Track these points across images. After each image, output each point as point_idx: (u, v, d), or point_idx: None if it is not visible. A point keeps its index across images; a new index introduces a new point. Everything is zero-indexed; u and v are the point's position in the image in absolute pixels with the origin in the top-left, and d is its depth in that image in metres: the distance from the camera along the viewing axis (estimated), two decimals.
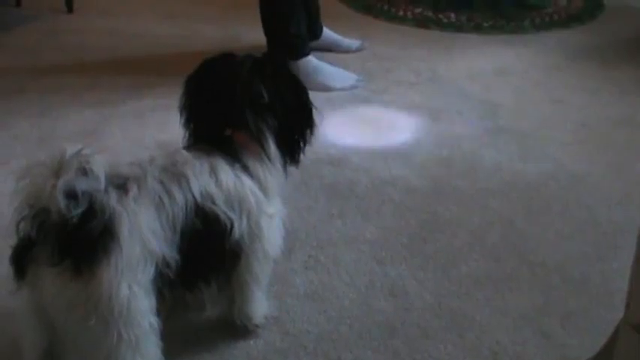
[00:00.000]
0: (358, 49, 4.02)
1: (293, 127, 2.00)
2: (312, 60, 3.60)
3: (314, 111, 2.03)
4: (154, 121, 3.30)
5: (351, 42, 4.04)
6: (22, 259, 1.66)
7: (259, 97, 1.93)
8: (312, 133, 2.03)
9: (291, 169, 2.07)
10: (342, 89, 3.58)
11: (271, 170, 1.96)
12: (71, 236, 1.60)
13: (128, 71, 3.82)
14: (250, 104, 1.92)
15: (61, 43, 4.21)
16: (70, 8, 4.67)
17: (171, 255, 1.74)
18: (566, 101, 3.60)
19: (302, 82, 2.04)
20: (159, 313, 1.76)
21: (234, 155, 1.91)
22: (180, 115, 2.02)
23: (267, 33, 3.63)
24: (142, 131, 3.23)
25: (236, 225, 1.86)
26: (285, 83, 1.99)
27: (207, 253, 1.86)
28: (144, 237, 1.69)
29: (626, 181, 2.93)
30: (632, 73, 3.88)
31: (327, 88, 3.52)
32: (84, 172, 1.62)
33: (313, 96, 2.06)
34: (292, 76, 2.03)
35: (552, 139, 3.25)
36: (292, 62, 3.42)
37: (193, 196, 1.78)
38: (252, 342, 2.11)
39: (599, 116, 3.47)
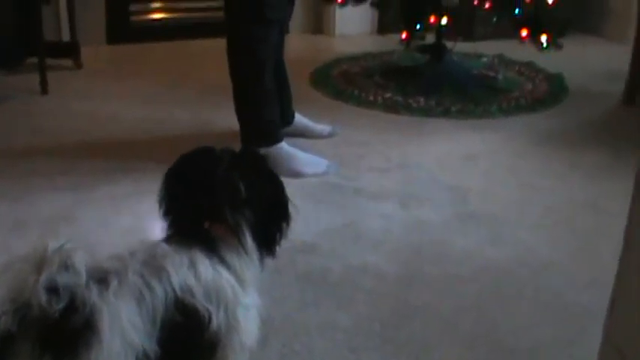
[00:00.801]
0: (330, 135, 4.09)
1: (270, 220, 2.05)
2: (284, 146, 3.65)
3: (290, 205, 2.08)
4: (129, 206, 3.32)
5: (323, 128, 4.10)
6: (2, 353, 1.68)
7: (237, 191, 1.98)
8: (287, 226, 2.08)
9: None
10: (315, 175, 3.63)
11: (248, 262, 2.00)
12: (52, 331, 1.62)
13: (103, 155, 3.85)
14: (228, 199, 1.97)
15: (36, 125, 4.25)
16: (44, 89, 4.72)
17: (151, 347, 1.76)
18: (533, 185, 3.67)
19: (278, 176, 2.09)
20: None
21: (212, 248, 1.94)
22: (160, 207, 2.05)
23: (240, 119, 3.68)
24: (117, 217, 3.25)
25: (214, 317, 1.89)
26: (262, 178, 2.05)
27: (187, 345, 1.88)
28: (124, 331, 1.71)
29: (593, 265, 2.98)
30: (596, 157, 3.96)
31: (299, 175, 3.57)
32: (65, 267, 1.64)
33: (286, 182, 2.11)
34: (269, 171, 2.08)
35: (521, 223, 3.31)
36: (265, 149, 3.47)
37: (173, 290, 1.82)
38: None
39: (565, 200, 3.54)
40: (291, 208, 2.09)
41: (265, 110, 3.61)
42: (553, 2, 4.57)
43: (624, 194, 1.80)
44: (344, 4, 4.84)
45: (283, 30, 3.83)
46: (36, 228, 3.14)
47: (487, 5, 4.54)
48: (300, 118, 4.04)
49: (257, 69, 3.57)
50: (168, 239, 1.99)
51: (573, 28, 6.06)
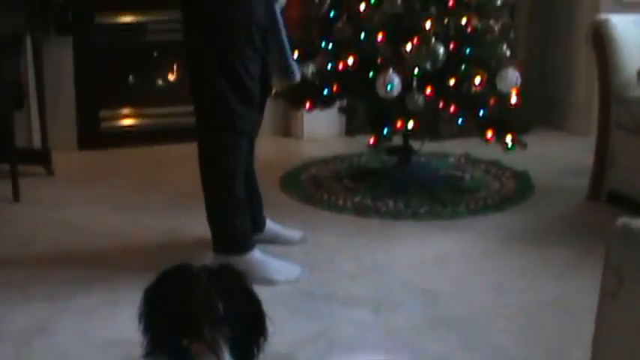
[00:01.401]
0: (301, 241, 4.13)
1: (247, 336, 2.10)
2: (256, 254, 3.69)
3: (267, 319, 2.13)
4: (103, 317, 3.34)
5: (294, 233, 4.14)
6: None
7: (215, 309, 2.02)
8: (265, 340, 2.13)
9: None
10: (287, 282, 3.66)
11: None
12: None
13: (76, 265, 3.88)
14: (206, 317, 2.02)
15: (8, 233, 4.28)
16: (16, 197, 4.74)
17: None
18: (503, 286, 3.71)
19: (255, 293, 2.14)
20: None
21: None
22: (139, 323, 2.10)
23: (212, 227, 3.72)
24: (92, 328, 3.26)
25: None
26: (240, 295, 2.10)
27: None
28: None
29: None
30: (564, 255, 4.02)
31: (272, 282, 3.58)
32: None
33: (258, 290, 2.16)
34: (246, 288, 2.13)
35: (492, 325, 3.35)
36: (237, 257, 3.50)
37: None
38: None
39: (535, 300, 3.59)
40: (267, 323, 2.14)
41: (237, 219, 3.65)
42: (516, 102, 4.67)
43: (593, 292, 1.86)
44: (311, 109, 4.93)
45: (253, 138, 3.89)
46: (10, 340, 3.15)
47: (452, 109, 4.64)
48: (271, 225, 4.08)
49: (228, 178, 3.62)
50: (147, 355, 2.02)
51: (536, 123, 6.19)
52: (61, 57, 5.67)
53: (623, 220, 2.03)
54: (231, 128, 3.56)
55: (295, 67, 3.30)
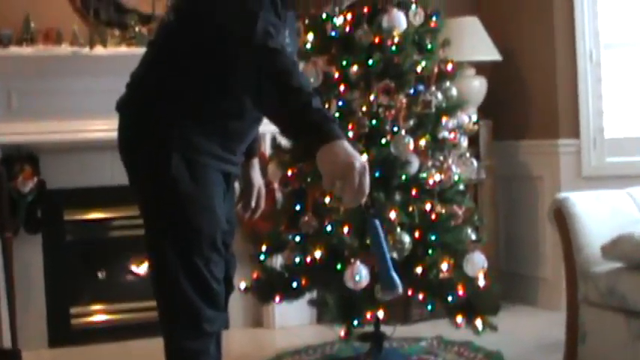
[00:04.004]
0: None
1: None
2: None
3: None
4: None
5: None
6: None
7: None
8: None
9: None
10: None
11: None
12: None
13: None
14: None
15: None
16: None
17: None
18: None
19: None
20: None
21: None
22: None
23: None
24: None
25: None
26: None
27: None
28: None
29: None
30: None
31: None
32: None
33: None
34: None
35: None
36: None
37: None
38: None
39: None
40: None
41: None
42: (485, 285, 4.70)
43: None
44: (281, 302, 4.95)
45: (219, 336, 3.87)
46: None
47: (421, 297, 4.66)
48: None
49: None
50: None
51: (507, 300, 6.22)
52: (31, 255, 5.71)
53: None
54: (199, 333, 3.52)
55: (396, 279, 3.20)
